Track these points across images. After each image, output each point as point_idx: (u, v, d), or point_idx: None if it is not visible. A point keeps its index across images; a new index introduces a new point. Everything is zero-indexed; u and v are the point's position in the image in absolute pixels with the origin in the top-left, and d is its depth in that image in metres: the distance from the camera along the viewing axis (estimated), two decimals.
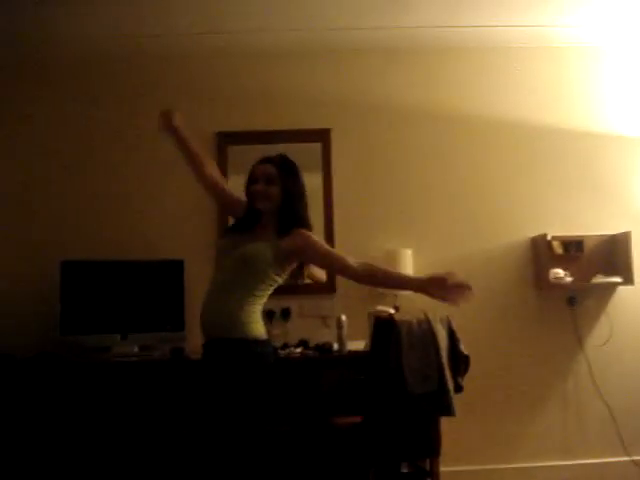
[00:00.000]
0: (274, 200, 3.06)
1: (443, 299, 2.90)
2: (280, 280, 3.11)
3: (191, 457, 4.03)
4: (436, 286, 2.90)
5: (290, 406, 4.05)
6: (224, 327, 3.02)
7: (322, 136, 4.98)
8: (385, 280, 3.09)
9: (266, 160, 3.12)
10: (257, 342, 3.02)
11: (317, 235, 3.17)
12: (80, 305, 4.56)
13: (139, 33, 4.66)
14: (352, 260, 3.02)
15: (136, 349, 4.53)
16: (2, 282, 4.74)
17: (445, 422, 4.10)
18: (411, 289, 3.03)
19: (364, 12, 4.49)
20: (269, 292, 3.12)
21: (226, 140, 4.87)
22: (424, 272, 4.73)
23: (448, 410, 3.98)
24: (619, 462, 4.81)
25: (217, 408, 2.96)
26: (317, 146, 4.98)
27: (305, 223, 3.11)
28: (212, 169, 3.39)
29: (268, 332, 3.16)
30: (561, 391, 4.92)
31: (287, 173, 3.09)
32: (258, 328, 3.04)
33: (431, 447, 4.05)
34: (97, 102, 4.98)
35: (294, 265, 3.12)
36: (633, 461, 4.81)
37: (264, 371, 3.02)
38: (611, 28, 4.83)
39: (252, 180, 3.11)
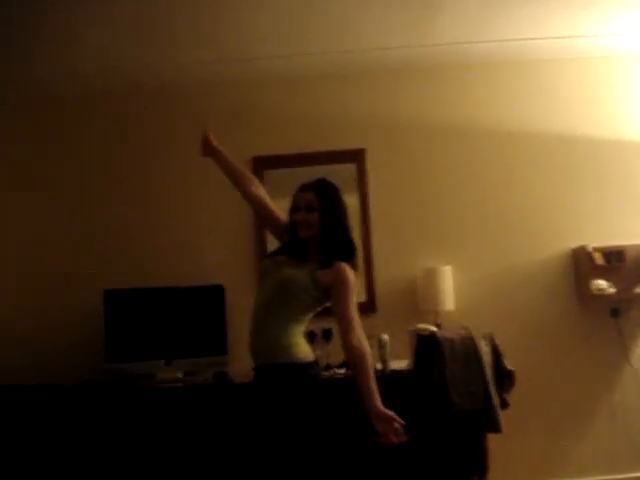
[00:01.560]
0: (316, 226, 3.06)
1: (380, 432, 2.81)
2: (320, 307, 3.10)
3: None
4: (383, 422, 2.81)
5: (336, 427, 4.05)
6: (270, 352, 3.02)
7: (357, 156, 5.01)
8: (359, 374, 2.91)
9: (306, 187, 3.12)
10: (304, 365, 3.02)
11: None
12: (124, 333, 4.62)
13: (174, 61, 4.73)
14: (357, 334, 2.92)
15: (180, 375, 4.57)
16: (48, 313, 4.82)
17: (492, 439, 4.07)
18: (366, 405, 2.86)
19: (392, 32, 4.50)
20: (311, 315, 3.12)
21: (262, 164, 4.91)
22: (464, 288, 4.78)
23: (495, 426, 3.96)
24: None
25: (271, 431, 2.96)
26: (352, 167, 5.00)
27: (347, 249, 3.09)
28: (257, 188, 3.39)
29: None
30: (608, 404, 4.85)
31: (326, 198, 3.08)
32: (303, 350, 3.03)
33: (479, 464, 4.03)
34: (135, 133, 5.07)
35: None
36: None
37: (314, 393, 3.02)
38: None
39: (294, 208, 3.12)
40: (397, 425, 2.80)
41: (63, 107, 5.09)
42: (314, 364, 3.10)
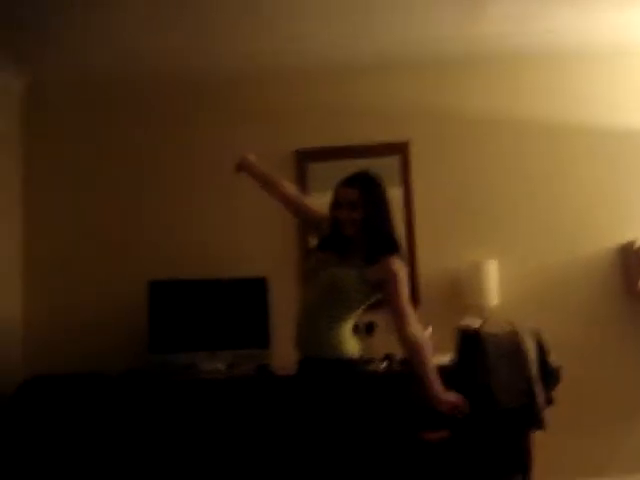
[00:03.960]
0: (359, 224, 3.04)
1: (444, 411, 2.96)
2: (368, 303, 3.10)
3: (283, 472, 4.06)
4: (447, 407, 2.95)
5: (378, 421, 4.03)
6: (317, 348, 3.04)
7: (401, 149, 4.97)
8: (417, 364, 3.00)
9: (348, 182, 3.08)
10: (349, 362, 3.03)
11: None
12: (168, 324, 4.66)
13: (216, 53, 4.75)
14: (411, 325, 2.99)
15: (222, 366, 4.59)
16: (94, 303, 4.89)
17: (537, 436, 4.02)
18: (428, 394, 2.96)
19: (438, 22, 4.46)
20: (360, 312, 3.13)
21: (305, 158, 4.90)
22: (510, 283, 4.73)
23: (539, 424, 3.90)
24: None
25: (316, 424, 2.99)
26: (396, 159, 4.97)
27: (392, 245, 3.07)
28: (291, 190, 3.50)
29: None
30: None
31: (369, 195, 3.05)
32: (349, 347, 3.04)
33: (523, 462, 3.98)
34: (179, 124, 5.08)
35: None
36: None
37: (360, 389, 3.03)
38: None
39: (336, 204, 3.08)
40: (462, 406, 2.95)
41: (98, 98, 5.13)
42: (360, 361, 3.10)
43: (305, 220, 3.49)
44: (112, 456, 4.22)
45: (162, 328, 4.64)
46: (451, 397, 2.95)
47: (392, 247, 3.07)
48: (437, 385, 2.97)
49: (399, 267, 3.02)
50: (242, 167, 3.56)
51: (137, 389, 4.35)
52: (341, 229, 3.07)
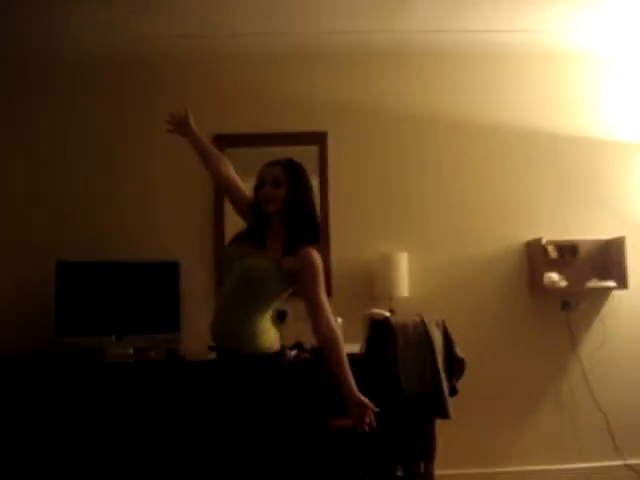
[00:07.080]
0: (282, 201, 2.99)
1: (353, 418, 2.89)
2: (286, 294, 3.05)
3: (191, 458, 4.04)
4: (358, 408, 2.87)
5: (286, 409, 4.05)
6: (233, 342, 2.97)
7: (319, 139, 5.00)
8: (333, 363, 2.92)
9: (273, 163, 3.06)
10: (269, 355, 2.98)
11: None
12: (75, 306, 4.56)
13: (136, 36, 4.68)
14: (327, 320, 2.92)
15: (131, 350, 4.53)
16: None
17: (440, 425, 4.12)
18: (343, 392, 2.89)
19: (361, 15, 4.50)
20: (277, 302, 3.06)
21: (224, 143, 4.85)
22: (420, 276, 4.81)
23: (443, 413, 3.99)
24: (613, 466, 4.83)
25: (234, 417, 2.95)
26: (314, 149, 4.99)
27: (313, 233, 3.04)
28: (227, 167, 3.35)
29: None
30: (555, 395, 4.93)
31: (294, 175, 3.03)
32: (267, 340, 2.98)
33: (426, 450, 4.07)
34: (95, 105, 5.00)
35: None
36: (626, 465, 4.83)
37: (280, 383, 2.99)
38: (611, 34, 4.83)
39: (260, 184, 3.04)
40: (371, 412, 2.86)
41: (32, 73, 5.02)
42: (278, 354, 3.04)
43: (235, 204, 3.34)
44: (13, 441, 4.12)
45: (70, 310, 4.54)
46: (365, 399, 2.88)
47: (313, 236, 3.03)
48: (352, 382, 2.90)
49: (317, 258, 2.96)
50: (183, 131, 3.42)
51: (42, 372, 4.25)
52: (263, 207, 3.02)
